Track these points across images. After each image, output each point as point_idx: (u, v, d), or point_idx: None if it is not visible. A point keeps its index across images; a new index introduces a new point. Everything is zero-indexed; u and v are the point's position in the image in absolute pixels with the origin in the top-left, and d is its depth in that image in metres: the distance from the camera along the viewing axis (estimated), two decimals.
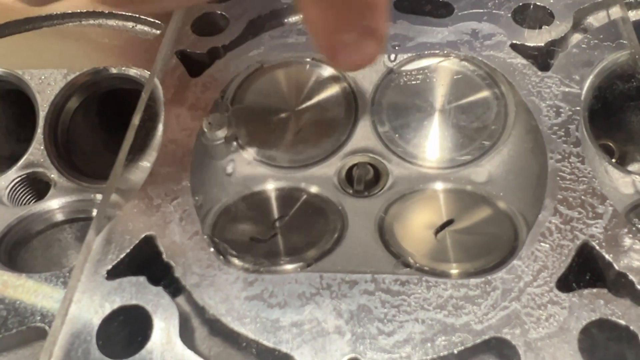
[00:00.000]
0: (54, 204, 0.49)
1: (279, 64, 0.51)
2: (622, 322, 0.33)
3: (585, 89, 0.45)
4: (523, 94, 0.45)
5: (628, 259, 0.36)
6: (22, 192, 0.52)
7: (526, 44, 0.48)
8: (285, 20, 0.54)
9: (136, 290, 0.37)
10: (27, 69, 0.54)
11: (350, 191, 0.47)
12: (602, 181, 0.41)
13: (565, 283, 0.36)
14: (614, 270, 0.36)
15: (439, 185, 0.46)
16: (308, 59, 0.51)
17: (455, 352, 0.34)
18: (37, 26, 0.59)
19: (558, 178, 0.40)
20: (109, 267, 0.39)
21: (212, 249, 0.39)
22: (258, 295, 0.37)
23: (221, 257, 0.40)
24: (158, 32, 0.57)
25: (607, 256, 0.36)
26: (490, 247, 0.41)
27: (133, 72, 0.53)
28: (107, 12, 0.58)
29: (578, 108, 0.44)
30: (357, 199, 0.46)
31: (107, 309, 0.36)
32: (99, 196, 0.49)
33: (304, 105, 0.50)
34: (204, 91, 0.49)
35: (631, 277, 0.35)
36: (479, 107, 0.48)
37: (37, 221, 0.49)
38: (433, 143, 0.48)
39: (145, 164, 0.46)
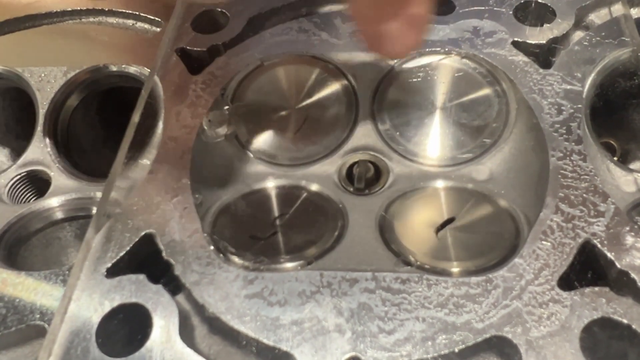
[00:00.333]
0: (54, 202, 0.49)
1: (279, 62, 0.51)
2: (624, 320, 0.33)
3: (587, 86, 0.45)
4: (524, 92, 0.45)
5: (630, 257, 0.36)
6: (21, 189, 0.51)
7: (528, 41, 0.48)
8: (286, 18, 0.54)
9: (136, 288, 0.37)
10: (27, 66, 0.54)
11: (351, 189, 0.47)
12: (604, 179, 0.41)
13: (567, 281, 0.36)
14: (615, 268, 0.36)
15: (439, 183, 0.46)
16: (309, 57, 0.50)
17: (456, 350, 0.34)
18: (37, 24, 0.59)
19: (560, 176, 0.40)
20: (109, 265, 0.38)
21: (212, 247, 0.39)
22: (258, 293, 0.37)
23: (221, 255, 0.40)
24: (158, 29, 0.57)
25: (609, 254, 0.36)
26: (491, 245, 0.41)
27: (133, 69, 0.53)
28: (107, 9, 0.58)
29: (580, 106, 0.43)
30: (358, 197, 0.46)
31: (107, 307, 0.36)
32: (98, 194, 0.49)
33: (304, 103, 0.50)
34: (204, 89, 0.49)
35: (633, 275, 0.35)
36: (480, 105, 0.48)
37: (36, 219, 0.48)
38: (434, 141, 0.48)
39: (145, 161, 0.46)
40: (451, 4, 0.51)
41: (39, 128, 0.52)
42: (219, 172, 0.48)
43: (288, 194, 0.47)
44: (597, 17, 0.50)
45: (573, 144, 0.42)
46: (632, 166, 0.50)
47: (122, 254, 0.39)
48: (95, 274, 0.38)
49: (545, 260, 0.36)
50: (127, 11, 0.58)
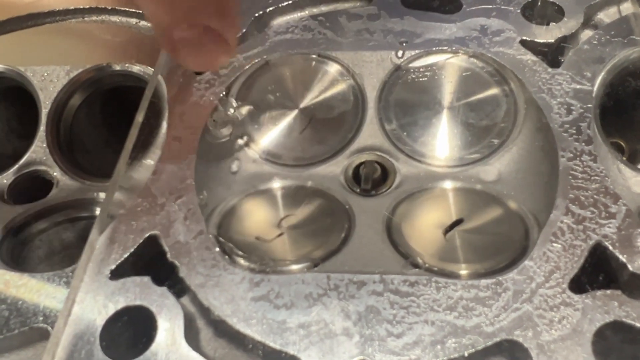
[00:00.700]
0: (57, 203, 0.49)
1: (284, 61, 0.50)
2: (637, 324, 0.33)
3: (596, 86, 0.44)
4: (533, 91, 0.44)
5: None
6: (24, 190, 0.51)
7: (536, 40, 0.47)
8: (291, 17, 0.53)
9: (140, 291, 0.36)
10: (30, 65, 0.54)
11: (358, 190, 0.46)
12: (615, 180, 0.40)
13: (578, 284, 0.35)
14: (627, 271, 0.35)
15: (447, 184, 0.46)
16: (314, 56, 0.50)
17: (466, 354, 0.33)
18: (40, 22, 0.59)
19: (570, 177, 0.40)
20: (113, 266, 0.38)
21: (217, 249, 0.39)
22: (264, 296, 0.36)
23: (226, 256, 0.39)
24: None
25: (620, 257, 0.36)
26: (500, 247, 0.40)
27: (136, 69, 0.53)
28: (110, 8, 0.58)
29: (589, 105, 0.43)
30: (365, 198, 0.46)
31: (111, 309, 0.36)
32: (102, 195, 0.48)
33: (309, 103, 0.49)
34: (209, 88, 0.48)
35: None
36: (488, 105, 0.47)
37: (39, 220, 0.48)
38: (441, 141, 0.47)
39: (149, 162, 0.45)
40: (458, 2, 0.51)
41: (42, 128, 0.52)
42: (224, 172, 0.48)
43: (294, 195, 0.46)
44: (606, 15, 0.49)
45: (583, 144, 0.41)
46: None
47: (126, 255, 0.39)
48: (99, 275, 0.38)
49: (555, 262, 0.36)
50: (131, 10, 0.57)
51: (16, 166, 0.51)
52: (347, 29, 0.50)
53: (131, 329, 0.36)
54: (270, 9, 0.53)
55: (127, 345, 0.35)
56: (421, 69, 0.49)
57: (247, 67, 0.49)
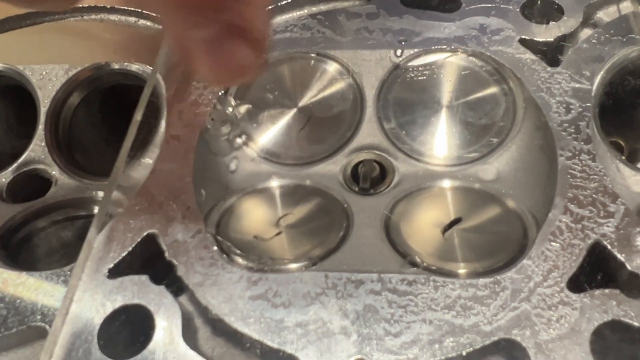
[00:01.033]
0: (55, 201, 0.48)
1: (283, 59, 0.50)
2: (635, 323, 0.33)
3: (595, 84, 0.44)
4: (532, 90, 0.44)
5: None
6: (22, 189, 0.51)
7: (535, 39, 0.47)
8: (290, 15, 0.53)
9: (138, 289, 0.36)
10: (28, 64, 0.53)
11: (356, 189, 0.46)
12: (614, 179, 0.40)
13: (577, 283, 0.35)
14: (626, 270, 0.35)
15: (446, 183, 0.46)
16: (313, 54, 0.50)
17: (464, 353, 0.33)
18: (38, 21, 0.59)
19: (568, 176, 0.39)
20: (111, 265, 0.38)
21: (215, 247, 0.39)
22: (262, 294, 0.36)
23: (224, 255, 0.39)
24: (160, 27, 0.56)
25: (619, 256, 0.36)
26: (499, 246, 0.40)
27: (135, 67, 0.53)
28: (109, 6, 0.58)
29: (589, 104, 0.43)
30: (363, 197, 0.46)
31: (109, 308, 0.36)
32: (100, 193, 0.48)
33: (308, 101, 0.49)
34: (207, 87, 0.48)
35: None
36: (487, 104, 0.47)
37: (37, 218, 0.48)
38: (440, 140, 0.47)
39: (148, 160, 0.45)
40: (457, 1, 0.51)
41: (40, 126, 0.52)
42: (222, 171, 0.47)
43: (292, 194, 0.46)
44: (606, 14, 0.49)
45: (582, 143, 0.41)
46: None
47: (124, 254, 0.39)
48: (97, 274, 0.38)
49: (554, 261, 0.36)
50: (129, 8, 0.57)
51: (15, 165, 0.51)
52: (346, 27, 0.50)
53: (129, 328, 0.36)
54: (269, 7, 0.53)
55: (125, 343, 0.35)
56: (420, 68, 0.49)
57: None
